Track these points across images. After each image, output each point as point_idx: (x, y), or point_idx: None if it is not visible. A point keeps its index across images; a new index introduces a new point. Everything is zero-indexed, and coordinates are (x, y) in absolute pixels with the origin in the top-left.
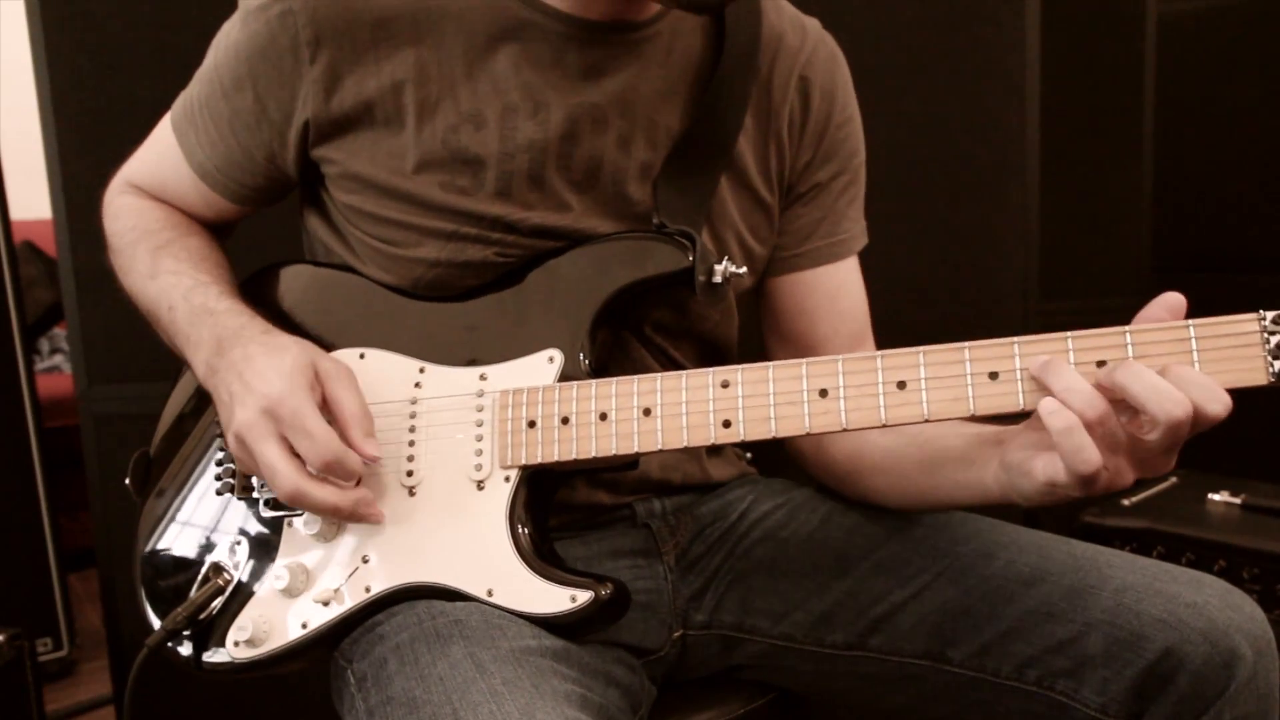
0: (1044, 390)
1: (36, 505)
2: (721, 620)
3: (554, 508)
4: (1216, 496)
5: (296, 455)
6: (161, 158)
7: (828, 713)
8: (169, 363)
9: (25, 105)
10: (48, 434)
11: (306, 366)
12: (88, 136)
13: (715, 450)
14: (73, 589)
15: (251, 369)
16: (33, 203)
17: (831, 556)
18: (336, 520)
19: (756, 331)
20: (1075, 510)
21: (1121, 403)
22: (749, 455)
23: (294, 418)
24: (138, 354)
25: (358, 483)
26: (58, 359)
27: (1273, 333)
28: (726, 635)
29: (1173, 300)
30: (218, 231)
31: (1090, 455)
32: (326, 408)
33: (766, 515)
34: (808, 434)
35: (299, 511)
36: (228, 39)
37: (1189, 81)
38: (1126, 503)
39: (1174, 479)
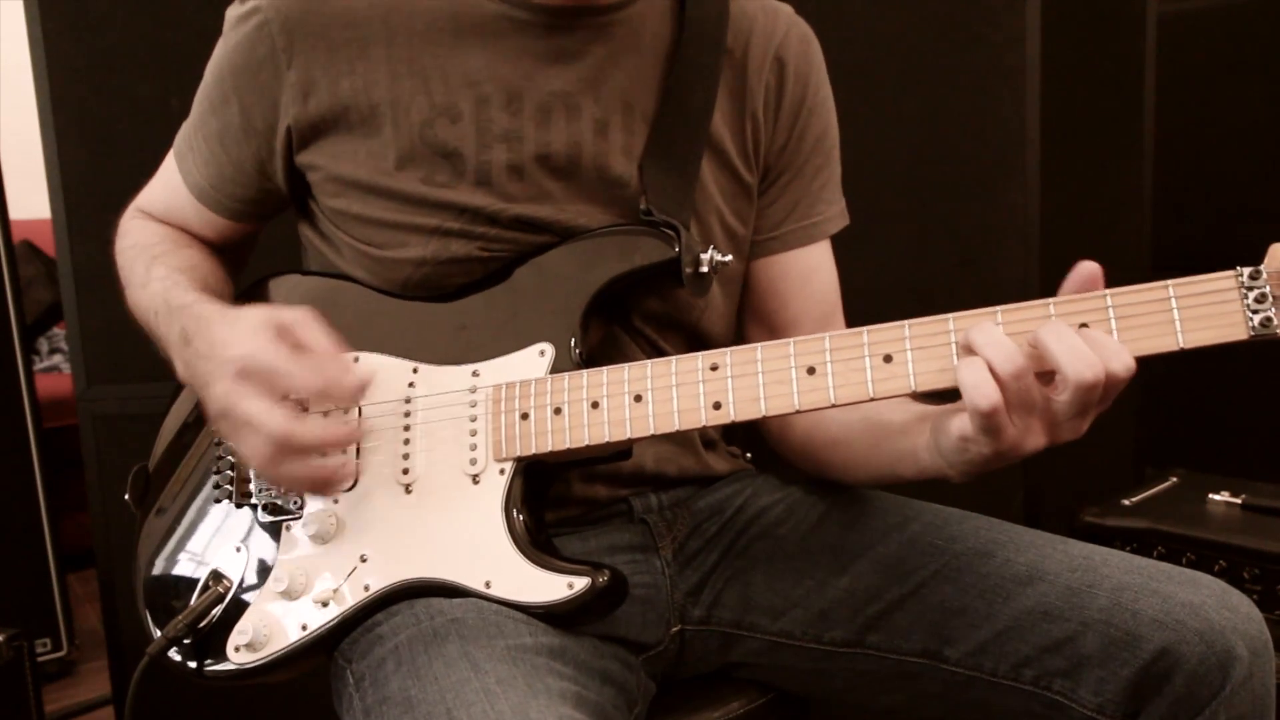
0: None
1: (35, 505)
2: (720, 616)
3: (551, 503)
4: (1216, 496)
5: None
6: (166, 185)
7: (826, 712)
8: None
9: (25, 105)
10: (47, 434)
11: (265, 323)
12: (87, 136)
13: (712, 443)
14: (72, 589)
15: (214, 345)
16: (32, 202)
17: (830, 553)
18: (333, 521)
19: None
20: (1075, 510)
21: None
22: (748, 455)
23: (270, 366)
24: (137, 354)
25: (353, 485)
26: (57, 359)
27: (1250, 288)
28: (725, 632)
29: (1087, 270)
30: (229, 256)
31: (988, 390)
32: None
33: (764, 511)
34: (797, 411)
35: (297, 515)
36: (215, 57)
37: (1189, 81)
38: (1127, 503)
39: (1174, 479)
